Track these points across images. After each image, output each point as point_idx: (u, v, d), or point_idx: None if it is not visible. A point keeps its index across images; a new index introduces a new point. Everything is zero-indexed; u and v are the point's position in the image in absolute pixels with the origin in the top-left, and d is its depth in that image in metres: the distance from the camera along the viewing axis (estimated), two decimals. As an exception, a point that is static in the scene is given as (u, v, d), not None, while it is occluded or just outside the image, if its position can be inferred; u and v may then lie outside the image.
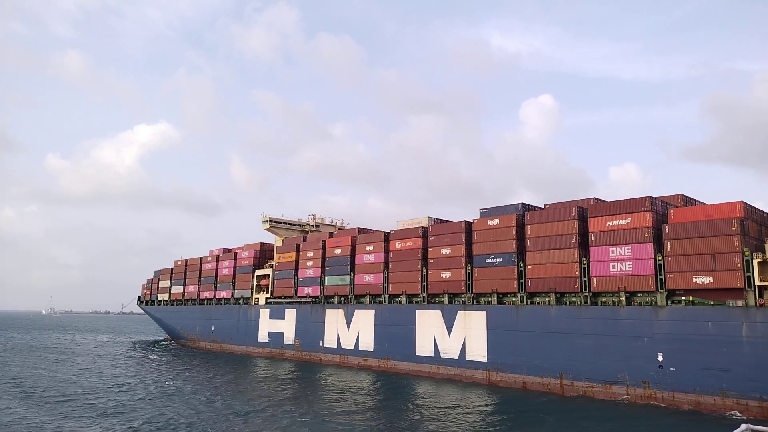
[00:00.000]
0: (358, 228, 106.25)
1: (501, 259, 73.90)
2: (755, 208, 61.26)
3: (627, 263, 62.00)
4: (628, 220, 62.84)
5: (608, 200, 69.81)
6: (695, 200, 70.39)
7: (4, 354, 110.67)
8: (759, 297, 53.53)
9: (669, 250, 58.95)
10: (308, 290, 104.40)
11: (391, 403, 59.71)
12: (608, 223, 64.24)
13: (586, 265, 65.29)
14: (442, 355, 77.95)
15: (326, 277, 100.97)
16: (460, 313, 77.05)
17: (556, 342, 65.95)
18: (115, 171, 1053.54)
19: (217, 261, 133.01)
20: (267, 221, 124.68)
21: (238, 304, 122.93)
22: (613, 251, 63.27)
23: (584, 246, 66.37)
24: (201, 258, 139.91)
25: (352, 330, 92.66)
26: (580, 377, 62.80)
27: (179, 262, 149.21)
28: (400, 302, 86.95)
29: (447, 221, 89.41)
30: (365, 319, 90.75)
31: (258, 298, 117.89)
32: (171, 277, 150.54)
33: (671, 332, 57.22)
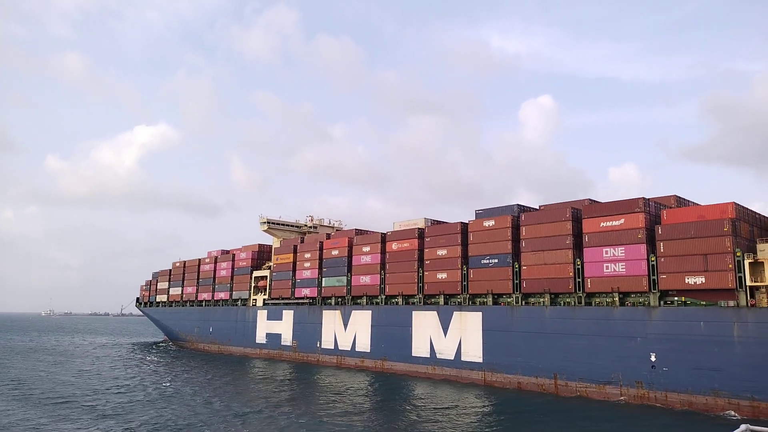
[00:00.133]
0: (355, 229, 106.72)
1: (496, 260, 74.40)
2: (747, 209, 61.79)
3: (620, 264, 62.52)
4: (622, 221, 63.36)
5: (606, 201, 70.09)
6: (688, 201, 70.92)
7: (2, 356, 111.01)
8: (750, 297, 54.10)
9: (662, 250, 59.48)
10: (305, 291, 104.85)
11: (389, 404, 60.18)
12: (602, 224, 64.75)
13: (580, 266, 65.80)
14: (438, 356, 78.44)
15: (323, 279, 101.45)
16: (455, 314, 77.54)
17: (550, 343, 66.44)
18: (114, 172, 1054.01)
19: (215, 262, 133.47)
20: (265, 222, 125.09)
21: (236, 305, 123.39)
22: (606, 252, 63.79)
23: (578, 247, 66.88)
24: (199, 259, 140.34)
25: (349, 331, 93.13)
26: (575, 377, 63.31)
27: (177, 264, 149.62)
28: (397, 303, 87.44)
29: (443, 222, 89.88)
30: (362, 320, 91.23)
31: (256, 300, 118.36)
32: (169, 278, 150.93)
33: (664, 332, 57.73)
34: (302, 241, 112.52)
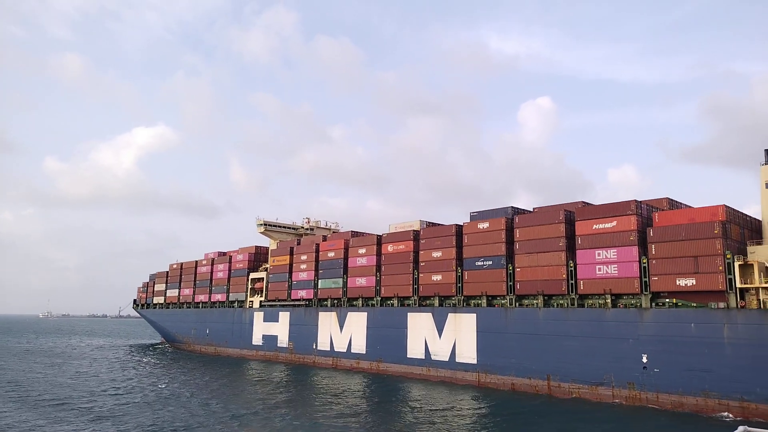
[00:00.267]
0: (351, 231, 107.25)
1: (490, 262, 74.90)
2: (737, 211, 62.41)
3: (612, 266, 63.07)
4: (614, 223, 63.93)
5: (600, 203, 70.30)
6: (681, 203, 71.50)
7: (0, 358, 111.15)
8: (740, 299, 54.70)
9: (653, 252, 60.06)
10: (302, 293, 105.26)
11: (384, 405, 60.57)
12: (594, 226, 65.32)
13: (573, 268, 66.34)
14: (433, 358, 78.90)
15: (319, 280, 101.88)
16: (450, 315, 78.02)
17: (543, 344, 66.93)
18: (113, 173, 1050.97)
19: (212, 264, 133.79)
20: (261, 224, 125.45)
21: (233, 307, 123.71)
22: (599, 254, 64.34)
23: (571, 249, 67.42)
24: (196, 261, 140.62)
25: (344, 333, 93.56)
26: (568, 379, 63.80)
27: (174, 266, 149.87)
28: (392, 305, 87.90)
29: (438, 224, 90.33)
30: (358, 322, 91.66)
31: (252, 301, 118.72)
32: (166, 280, 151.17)
33: (655, 334, 58.26)
34: (299, 243, 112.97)
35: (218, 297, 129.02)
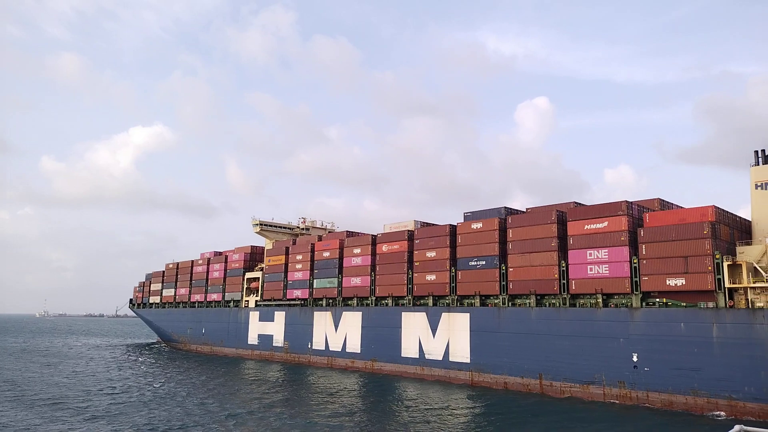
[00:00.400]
0: (347, 231, 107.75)
1: (484, 262, 75.46)
2: (727, 212, 63.09)
3: (604, 266, 63.67)
4: (605, 223, 64.52)
5: (592, 204, 70.84)
6: (672, 204, 72.12)
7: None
8: (729, 299, 55.34)
9: (644, 253, 60.67)
10: (297, 293, 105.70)
11: (379, 404, 61.07)
12: (586, 226, 65.90)
13: (564, 268, 66.92)
14: (427, 357, 79.44)
15: (315, 280, 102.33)
16: (444, 315, 78.56)
17: (536, 343, 67.51)
18: (110, 173, 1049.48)
19: (208, 264, 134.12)
20: (257, 224, 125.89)
21: (229, 306, 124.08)
22: (590, 254, 64.92)
23: (563, 249, 68.00)
24: (192, 261, 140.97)
25: (339, 332, 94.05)
26: (559, 378, 64.39)
27: (170, 265, 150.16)
28: (387, 304, 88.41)
29: (433, 224, 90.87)
30: (352, 322, 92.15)
31: (248, 301, 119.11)
32: (162, 280, 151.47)
33: (646, 333, 58.86)
34: (294, 243, 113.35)
35: (214, 297, 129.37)
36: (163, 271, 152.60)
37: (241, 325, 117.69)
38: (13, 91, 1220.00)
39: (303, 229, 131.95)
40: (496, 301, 73.99)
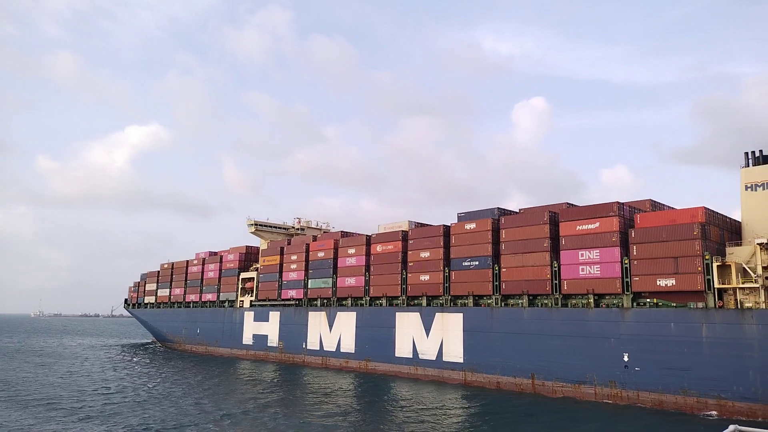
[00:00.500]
0: (341, 231, 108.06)
1: (477, 263, 75.89)
2: (717, 213, 63.68)
3: (595, 266, 64.19)
4: (597, 224, 65.05)
5: (584, 205, 71.30)
6: (664, 205, 72.73)
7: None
8: (718, 299, 55.92)
9: (635, 253, 61.21)
10: (292, 293, 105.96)
11: (374, 404, 61.42)
12: (578, 227, 66.41)
13: (557, 268, 67.40)
14: (421, 357, 79.84)
15: (309, 280, 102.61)
16: (437, 315, 78.97)
17: (528, 343, 67.98)
18: (105, 172, 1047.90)
19: (203, 264, 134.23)
20: (252, 224, 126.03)
21: (224, 306, 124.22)
22: (582, 255, 65.43)
23: (556, 249, 68.49)
24: (187, 261, 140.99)
25: (334, 332, 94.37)
26: (551, 377, 64.88)
27: (165, 265, 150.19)
28: (381, 305, 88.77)
29: (427, 225, 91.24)
30: (347, 322, 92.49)
31: (243, 301, 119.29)
32: (157, 280, 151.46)
33: (636, 333, 59.39)
34: (289, 243, 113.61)
35: (209, 297, 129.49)
36: (158, 271, 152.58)
37: (235, 325, 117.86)
38: (9, 90, 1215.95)
39: (298, 229, 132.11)
40: (489, 301, 74.43)
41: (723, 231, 63.12)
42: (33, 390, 68.75)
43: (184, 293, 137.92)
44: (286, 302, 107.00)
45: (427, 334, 79.73)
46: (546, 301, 68.46)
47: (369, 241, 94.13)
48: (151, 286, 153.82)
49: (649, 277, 59.81)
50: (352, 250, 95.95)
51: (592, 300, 63.92)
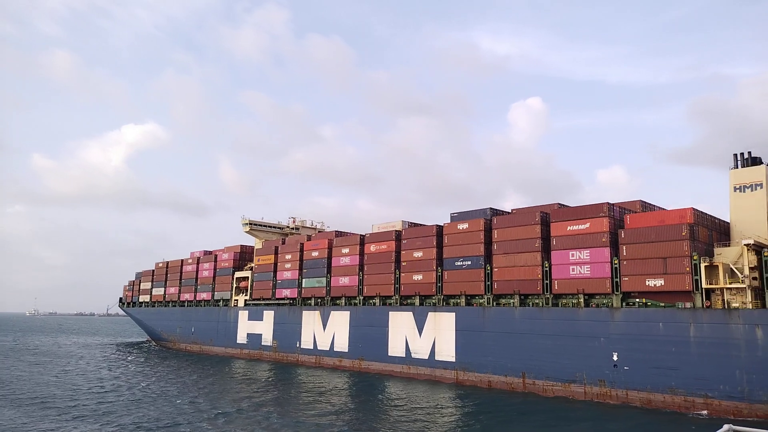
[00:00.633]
0: (335, 231, 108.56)
1: (469, 262, 76.50)
2: (705, 214, 64.42)
3: (586, 266, 64.87)
4: (587, 225, 65.72)
5: (579, 205, 71.73)
6: (654, 206, 73.46)
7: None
8: (706, 299, 56.65)
9: (624, 254, 61.90)
10: (286, 292, 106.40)
11: (368, 403, 61.87)
12: (569, 227, 67.06)
13: (548, 268, 68.05)
14: (413, 356, 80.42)
15: (303, 280, 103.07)
16: (430, 314, 79.56)
17: (519, 342, 68.63)
18: (102, 171, 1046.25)
19: (198, 263, 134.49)
20: (247, 224, 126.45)
21: (218, 305, 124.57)
22: (573, 255, 66.10)
23: (547, 250, 69.14)
24: (182, 260, 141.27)
25: (327, 331, 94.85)
26: (542, 376, 65.54)
27: (160, 264, 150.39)
28: (374, 304, 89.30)
29: (420, 225, 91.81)
30: (341, 321, 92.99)
31: (237, 300, 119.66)
32: (152, 278, 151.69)
33: (625, 333, 60.09)
34: (283, 243, 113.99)
35: (203, 296, 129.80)
36: (153, 270, 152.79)
37: (230, 324, 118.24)
38: (5, 89, 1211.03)
39: (293, 228, 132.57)
40: (481, 300, 75.05)
41: (712, 232, 63.86)
42: (27, 388, 68.95)
43: (179, 292, 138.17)
44: (281, 301, 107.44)
45: (420, 334, 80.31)
46: (537, 301, 69.12)
47: (363, 240, 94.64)
48: (146, 285, 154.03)
49: (638, 278, 60.51)
50: (346, 250, 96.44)
51: (582, 300, 64.59)
